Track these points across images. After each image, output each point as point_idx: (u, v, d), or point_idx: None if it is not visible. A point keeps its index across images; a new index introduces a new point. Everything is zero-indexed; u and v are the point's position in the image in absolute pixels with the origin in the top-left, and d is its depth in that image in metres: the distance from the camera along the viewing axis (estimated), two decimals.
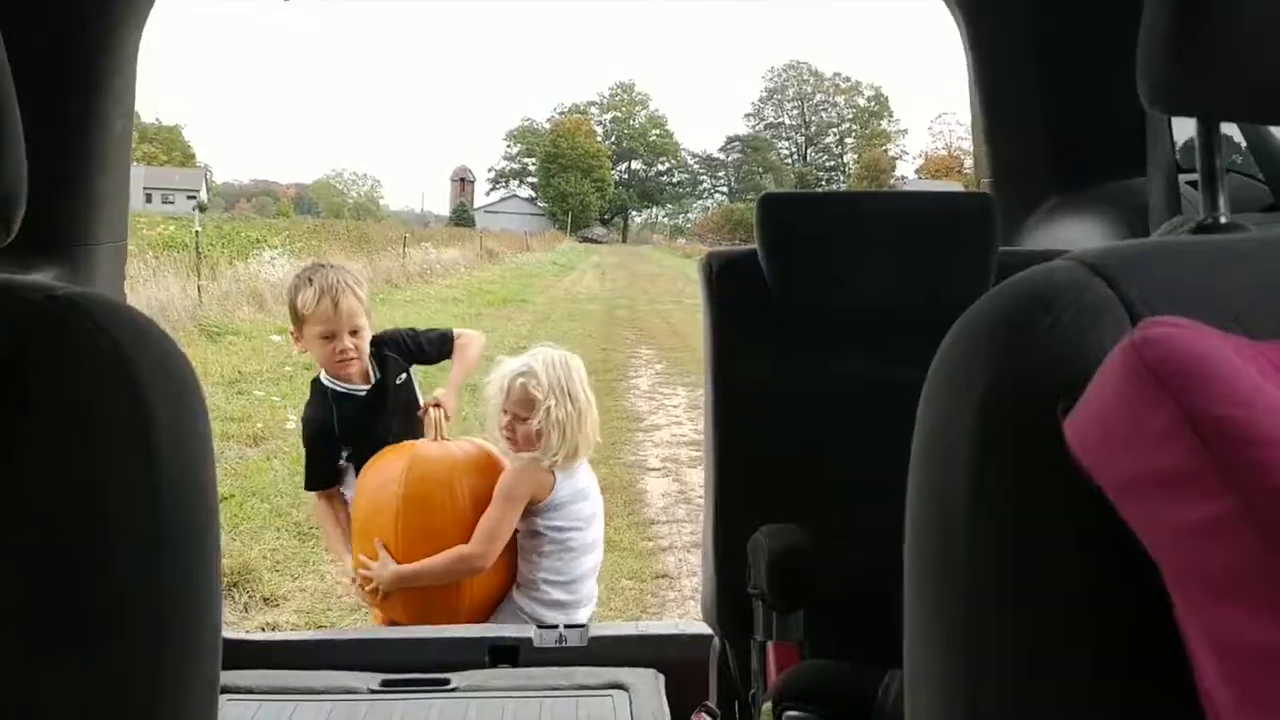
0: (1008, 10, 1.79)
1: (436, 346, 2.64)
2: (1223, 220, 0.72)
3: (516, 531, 2.40)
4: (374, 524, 2.38)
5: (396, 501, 2.34)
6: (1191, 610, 0.45)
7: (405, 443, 2.48)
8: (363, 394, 2.53)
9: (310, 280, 2.48)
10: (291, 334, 2.57)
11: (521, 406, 2.39)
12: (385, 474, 2.39)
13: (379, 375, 2.55)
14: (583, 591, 2.47)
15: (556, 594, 2.42)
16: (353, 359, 2.50)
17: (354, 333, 2.49)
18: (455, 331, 2.70)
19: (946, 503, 0.60)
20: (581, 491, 2.46)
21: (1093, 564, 0.54)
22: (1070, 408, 0.53)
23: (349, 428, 2.49)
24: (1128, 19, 0.72)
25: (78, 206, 1.63)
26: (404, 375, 2.58)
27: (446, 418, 2.55)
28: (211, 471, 0.72)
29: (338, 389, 2.53)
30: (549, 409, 2.36)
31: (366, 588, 2.38)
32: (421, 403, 2.58)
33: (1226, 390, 0.46)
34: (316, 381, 2.58)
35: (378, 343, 2.57)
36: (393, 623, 2.43)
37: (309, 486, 2.63)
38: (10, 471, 0.62)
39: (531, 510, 2.39)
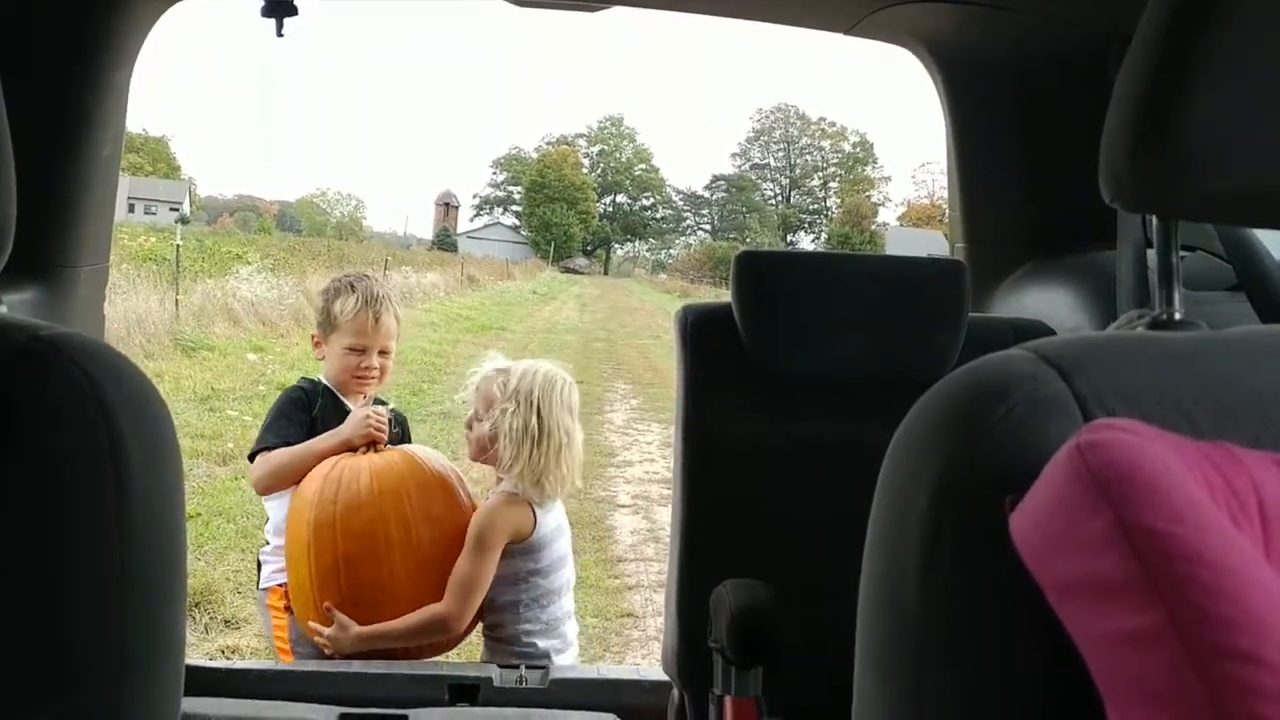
0: (990, 85, 1.83)
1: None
2: (1178, 317, 0.75)
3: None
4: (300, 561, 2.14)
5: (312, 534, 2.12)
6: (1116, 713, 0.47)
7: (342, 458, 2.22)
8: (350, 409, 2.33)
9: (352, 287, 2.35)
10: (313, 339, 2.45)
11: (481, 402, 2.24)
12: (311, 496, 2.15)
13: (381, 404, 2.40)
14: (567, 635, 2.29)
15: (541, 643, 2.22)
16: (373, 380, 2.37)
17: (383, 353, 2.38)
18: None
19: (898, 585, 0.61)
20: (560, 527, 2.28)
21: (1039, 656, 0.54)
22: (1018, 501, 0.55)
23: (321, 424, 2.29)
24: (1103, 100, 0.75)
25: (61, 230, 1.64)
26: (399, 430, 2.42)
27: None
28: (181, 514, 0.73)
29: (335, 391, 2.36)
30: (504, 411, 2.16)
31: (325, 652, 2.16)
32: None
33: (1162, 502, 0.48)
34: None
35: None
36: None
37: (254, 451, 2.33)
38: None
39: (510, 552, 2.17)
